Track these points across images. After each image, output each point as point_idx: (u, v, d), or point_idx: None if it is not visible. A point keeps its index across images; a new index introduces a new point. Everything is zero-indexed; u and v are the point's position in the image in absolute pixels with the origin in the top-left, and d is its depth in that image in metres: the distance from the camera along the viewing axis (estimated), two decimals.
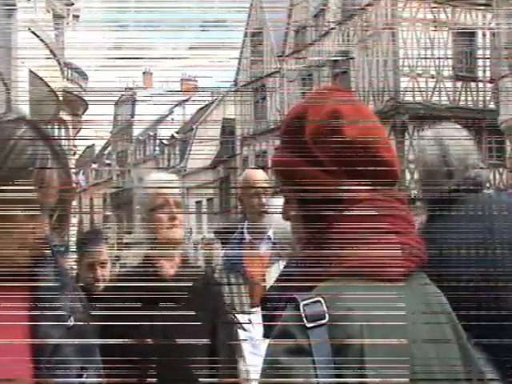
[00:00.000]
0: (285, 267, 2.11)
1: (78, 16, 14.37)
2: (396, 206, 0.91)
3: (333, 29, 15.13)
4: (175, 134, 21.35)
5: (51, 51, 10.49)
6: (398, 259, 0.85)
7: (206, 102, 20.33)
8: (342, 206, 0.82)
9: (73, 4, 14.19)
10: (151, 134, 23.88)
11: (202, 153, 18.64)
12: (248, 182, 2.70)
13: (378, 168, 0.84)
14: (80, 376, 1.06)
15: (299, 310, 0.80)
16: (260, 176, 2.73)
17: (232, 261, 2.58)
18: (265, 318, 1.95)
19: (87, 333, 1.08)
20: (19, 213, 0.97)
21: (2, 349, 1.00)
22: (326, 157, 0.88)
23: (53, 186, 1.01)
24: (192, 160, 20.97)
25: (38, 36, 9.44)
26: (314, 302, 0.82)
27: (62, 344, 1.01)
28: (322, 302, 0.82)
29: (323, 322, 0.80)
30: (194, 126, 20.86)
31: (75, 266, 2.27)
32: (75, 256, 2.26)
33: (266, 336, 1.74)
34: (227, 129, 19.73)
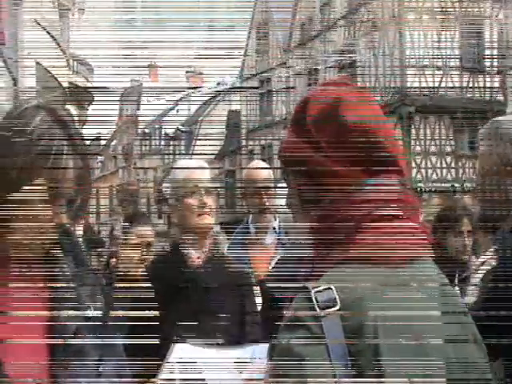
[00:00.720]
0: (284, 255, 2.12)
1: (83, 10, 14.39)
2: (401, 191, 0.92)
3: (339, 20, 15.05)
4: (180, 127, 21.36)
5: (58, 44, 10.51)
6: (405, 244, 0.86)
7: (212, 95, 20.31)
8: (346, 191, 0.84)
9: None
10: (156, 127, 23.88)
11: (208, 146, 18.64)
12: (250, 180, 2.70)
13: (379, 154, 0.84)
14: (97, 368, 1.06)
15: (310, 297, 0.81)
16: (262, 174, 2.72)
17: (237, 252, 2.60)
18: (264, 299, 1.93)
19: (108, 323, 1.09)
20: (35, 200, 0.98)
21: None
22: (327, 142, 0.88)
23: (69, 174, 1.02)
24: (197, 153, 20.96)
25: (45, 29, 9.46)
26: (325, 289, 0.82)
27: (80, 334, 1.02)
28: (333, 288, 0.83)
29: (335, 309, 0.80)
30: (200, 119, 20.85)
31: (116, 248, 2.24)
32: (119, 237, 2.23)
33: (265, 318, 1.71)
34: (232, 122, 19.71)
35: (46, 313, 1.00)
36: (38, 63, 8.43)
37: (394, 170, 0.87)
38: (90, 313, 1.02)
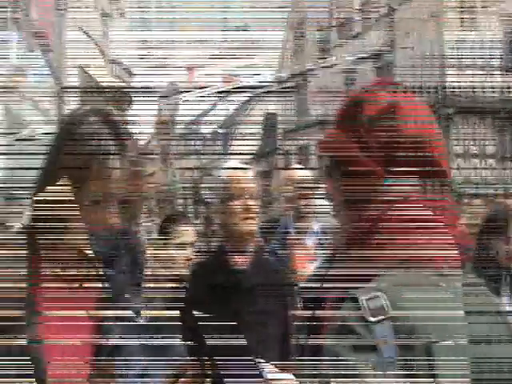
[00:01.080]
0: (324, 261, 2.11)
1: (123, 14, 14.69)
2: (443, 199, 0.92)
3: (378, 20, 14.89)
4: (218, 129, 21.51)
5: (99, 48, 10.77)
6: (453, 252, 0.86)
7: (249, 96, 20.39)
8: (391, 198, 0.84)
9: (119, 2, 14.50)
10: (193, 128, 24.12)
11: (244, 147, 18.70)
12: (288, 182, 2.69)
13: (428, 168, 0.85)
14: (142, 376, 1.07)
15: (359, 304, 0.80)
16: (301, 175, 2.71)
17: (277, 255, 2.61)
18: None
19: (160, 330, 1.10)
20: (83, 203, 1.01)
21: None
22: (378, 143, 0.88)
23: (117, 176, 1.04)
24: (234, 154, 21.05)
25: (86, 33, 9.72)
26: (375, 296, 0.81)
27: (126, 341, 1.04)
28: (383, 296, 0.82)
29: (386, 316, 0.79)
30: (237, 120, 20.95)
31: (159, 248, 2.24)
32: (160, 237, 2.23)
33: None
34: (269, 123, 19.72)
35: (99, 313, 1.02)
36: (80, 67, 8.66)
37: (439, 174, 0.87)
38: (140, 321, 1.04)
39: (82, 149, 1.01)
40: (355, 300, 0.78)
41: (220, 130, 21.77)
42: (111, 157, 1.01)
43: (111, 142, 1.02)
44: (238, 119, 22.57)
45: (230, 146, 21.39)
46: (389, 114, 0.85)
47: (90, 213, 1.02)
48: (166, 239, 2.15)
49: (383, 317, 0.77)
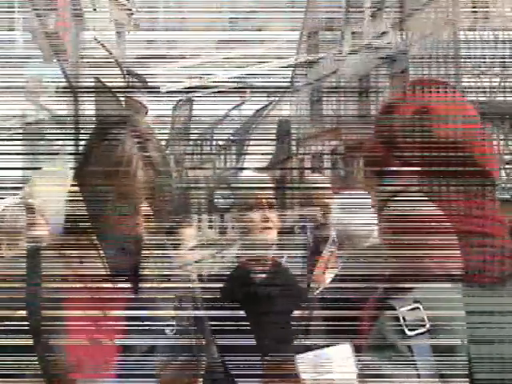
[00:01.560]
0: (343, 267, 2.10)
1: (138, 25, 14.84)
2: (488, 206, 0.87)
3: (391, 28, 14.86)
4: (232, 136, 21.57)
5: (115, 60, 10.89)
6: (494, 262, 0.82)
7: (263, 104, 20.41)
8: (428, 205, 0.82)
9: (133, 14, 14.67)
10: (208, 135, 24.19)
11: (259, 154, 18.69)
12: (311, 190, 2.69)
13: (467, 169, 0.82)
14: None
15: (396, 315, 0.79)
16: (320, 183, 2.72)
17: (296, 264, 2.60)
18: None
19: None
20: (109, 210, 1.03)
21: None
22: (413, 153, 0.86)
23: (140, 184, 1.05)
24: (248, 161, 21.06)
25: (103, 46, 9.84)
26: (413, 308, 0.80)
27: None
28: (421, 307, 0.80)
29: (424, 329, 0.77)
30: (251, 128, 20.98)
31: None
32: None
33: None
34: (283, 131, 19.71)
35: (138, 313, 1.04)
36: (96, 78, 8.76)
37: (485, 184, 0.84)
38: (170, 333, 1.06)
39: (109, 153, 1.04)
40: (393, 310, 0.77)
41: (234, 138, 21.80)
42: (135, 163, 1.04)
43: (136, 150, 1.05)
44: (252, 126, 22.60)
45: (245, 153, 21.41)
46: (423, 114, 0.84)
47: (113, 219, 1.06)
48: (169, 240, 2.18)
49: (422, 330, 0.75)
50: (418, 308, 0.79)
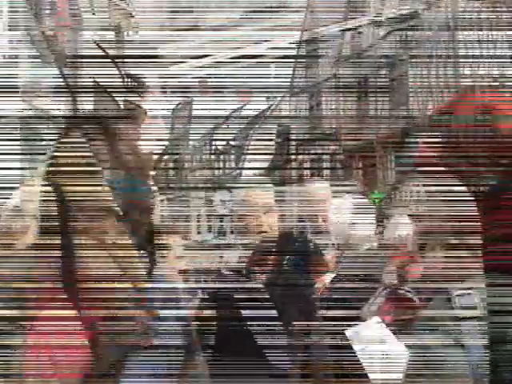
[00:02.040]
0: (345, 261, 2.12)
1: (137, 28, 14.86)
2: None
3: (390, 33, 14.89)
4: (231, 141, 21.60)
5: (113, 62, 10.88)
6: None
7: (261, 110, 20.44)
8: (491, 201, 0.77)
9: (132, 16, 14.68)
10: (207, 140, 24.25)
11: (258, 159, 18.72)
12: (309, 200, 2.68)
13: None
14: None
15: (450, 300, 0.74)
16: (320, 194, 2.72)
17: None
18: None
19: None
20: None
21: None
22: (476, 151, 0.80)
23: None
24: (247, 166, 21.09)
25: (101, 48, 9.82)
26: (467, 293, 0.75)
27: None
28: (475, 294, 0.75)
29: (476, 314, 0.73)
30: (249, 133, 21.00)
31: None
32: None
33: None
34: (282, 135, 19.74)
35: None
36: (95, 81, 8.74)
37: None
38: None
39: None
40: (448, 295, 0.71)
41: (233, 143, 21.83)
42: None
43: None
44: (251, 132, 22.62)
45: (244, 159, 21.42)
46: (484, 114, 0.79)
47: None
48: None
49: (473, 315, 0.69)
50: (471, 294, 0.74)
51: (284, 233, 1.70)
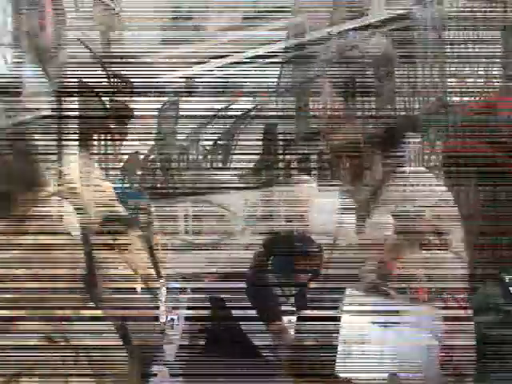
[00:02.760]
0: None
1: (123, 25, 14.74)
2: None
3: (374, 31, 14.93)
4: (218, 141, 21.54)
5: (99, 61, 10.78)
6: None
7: (248, 109, 20.39)
8: None
9: (118, 15, 14.57)
10: (194, 140, 24.17)
11: (245, 158, 18.68)
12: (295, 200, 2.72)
13: None
14: None
15: (503, 283, 0.73)
16: (307, 194, 2.74)
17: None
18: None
19: None
20: None
21: None
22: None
23: None
24: (234, 165, 21.05)
25: (87, 46, 9.73)
26: None
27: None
28: None
29: None
30: (236, 133, 20.97)
31: None
32: None
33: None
34: (269, 135, 19.72)
35: None
36: (79, 80, 8.66)
37: None
38: None
39: None
40: (499, 279, 0.69)
41: (220, 143, 21.78)
42: None
43: None
44: (238, 132, 22.59)
45: (231, 159, 21.39)
46: None
47: None
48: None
49: None
50: None
51: (288, 234, 1.83)
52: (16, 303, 1.72)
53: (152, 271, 2.25)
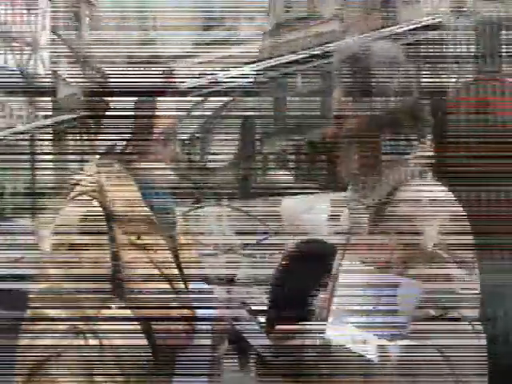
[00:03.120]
0: None
1: (98, 16, 14.49)
2: None
3: (353, 33, 14.96)
4: (195, 133, 21.37)
5: (73, 50, 10.58)
6: None
7: (226, 100, 20.26)
8: None
9: (93, 5, 14.31)
10: (172, 132, 23.90)
11: (222, 151, 18.59)
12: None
13: None
14: None
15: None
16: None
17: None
18: None
19: None
20: None
21: None
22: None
23: None
24: (212, 158, 20.95)
25: (59, 36, 9.53)
26: None
27: None
28: None
29: None
30: (214, 124, 20.83)
31: None
32: None
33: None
34: (246, 127, 19.64)
35: None
36: (54, 72, 8.47)
37: None
38: None
39: None
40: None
41: (197, 135, 21.62)
42: None
43: None
44: (215, 123, 22.47)
45: (208, 151, 21.27)
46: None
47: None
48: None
49: None
50: None
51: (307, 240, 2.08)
52: (52, 303, 1.73)
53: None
